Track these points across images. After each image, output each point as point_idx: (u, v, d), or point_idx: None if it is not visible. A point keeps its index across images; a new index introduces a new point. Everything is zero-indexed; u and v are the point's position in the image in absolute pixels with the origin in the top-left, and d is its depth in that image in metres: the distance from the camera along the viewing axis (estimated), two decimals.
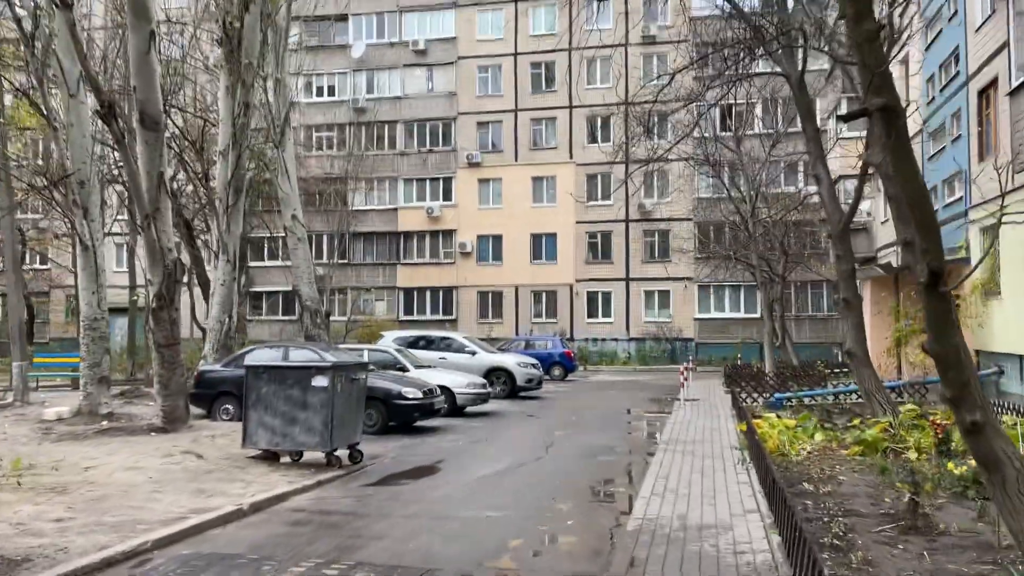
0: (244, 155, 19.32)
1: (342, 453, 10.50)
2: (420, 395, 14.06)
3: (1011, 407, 13.06)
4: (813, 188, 33.29)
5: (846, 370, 25.37)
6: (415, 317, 41.14)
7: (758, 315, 37.46)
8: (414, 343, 21.97)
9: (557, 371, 28.81)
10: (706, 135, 24.46)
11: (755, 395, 17.77)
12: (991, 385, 17.05)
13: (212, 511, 7.82)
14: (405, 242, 41.80)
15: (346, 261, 42.09)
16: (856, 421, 12.38)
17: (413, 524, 7.74)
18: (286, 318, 41.48)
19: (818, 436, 11.20)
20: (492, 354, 21.87)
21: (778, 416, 15.84)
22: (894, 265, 19.25)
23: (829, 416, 15.33)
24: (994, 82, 16.51)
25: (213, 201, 21.15)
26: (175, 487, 9.02)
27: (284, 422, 10.10)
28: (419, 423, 14.93)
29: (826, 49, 13.25)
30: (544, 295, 40.05)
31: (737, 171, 25.29)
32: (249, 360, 12.61)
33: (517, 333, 39.28)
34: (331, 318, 41.59)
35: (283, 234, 24.65)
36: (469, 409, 17.73)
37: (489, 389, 17.92)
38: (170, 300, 13.64)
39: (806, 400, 17.40)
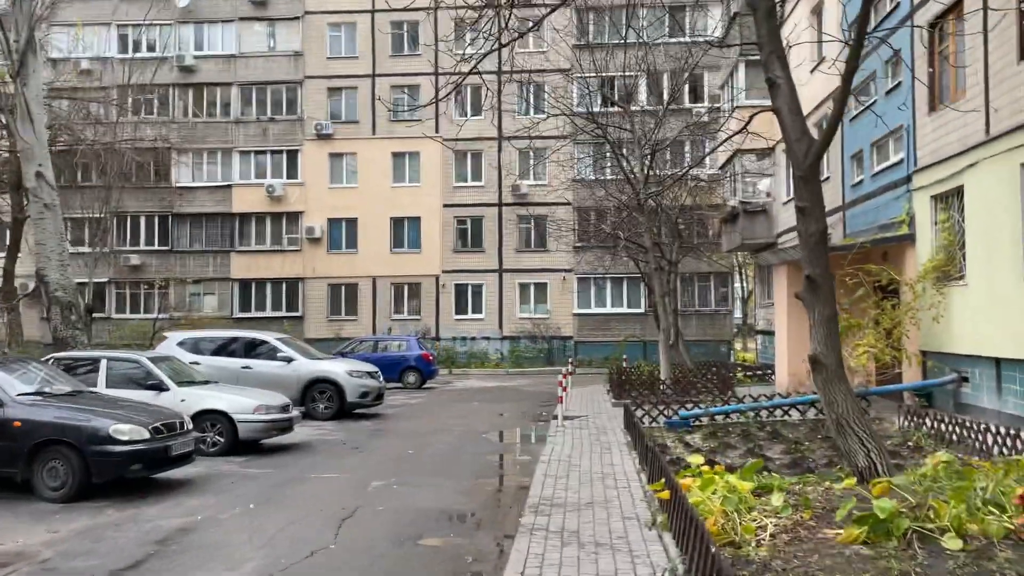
0: None
1: None
2: (144, 435, 8.72)
3: (972, 429, 9.25)
4: (704, 169, 30.01)
5: (754, 373, 21.71)
6: (253, 314, 35.02)
7: (642, 310, 33.87)
8: (208, 348, 16.42)
9: (412, 377, 23.78)
10: (590, 109, 20.18)
11: (652, 410, 13.45)
12: (948, 396, 13.38)
13: None
14: (241, 226, 35.55)
15: (169, 248, 35.48)
16: (831, 479, 8.09)
17: None
18: None
19: (780, 504, 6.74)
20: (316, 361, 16.61)
21: (687, 443, 11.55)
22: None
23: (757, 447, 11.11)
24: (956, 5, 12.80)
25: None
26: None
27: None
28: (160, 474, 9.58)
29: None
30: (406, 288, 34.92)
31: (626, 146, 21.01)
32: None
33: (375, 331, 33.99)
34: (160, 316, 35.09)
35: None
36: (267, 442, 12.49)
37: (293, 413, 12.70)
38: None
39: (717, 416, 13.23)
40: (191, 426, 9.94)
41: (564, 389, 16.18)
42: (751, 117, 10.43)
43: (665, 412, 13.46)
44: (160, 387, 11.56)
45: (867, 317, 14.16)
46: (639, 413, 13.47)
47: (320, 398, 16.08)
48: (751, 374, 20.84)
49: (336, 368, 16.34)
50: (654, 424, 13.34)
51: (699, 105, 31.85)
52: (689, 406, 13.65)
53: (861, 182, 17.35)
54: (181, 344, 16.50)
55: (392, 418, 16.61)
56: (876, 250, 15.60)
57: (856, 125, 17.69)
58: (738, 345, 41.77)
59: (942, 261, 13.34)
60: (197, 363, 15.97)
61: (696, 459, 8.05)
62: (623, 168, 18.85)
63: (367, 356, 23.65)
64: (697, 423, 13.18)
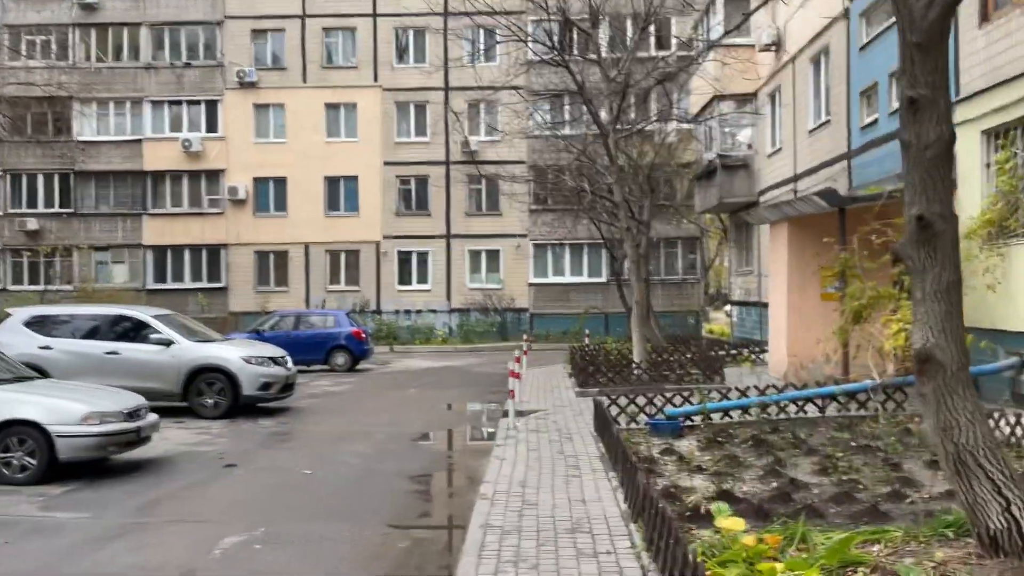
0: None
1: None
2: None
3: None
4: (674, 125, 26.66)
5: (739, 352, 18.63)
6: (169, 284, 31.12)
7: (604, 279, 30.86)
8: (64, 329, 12.87)
9: (341, 359, 20.38)
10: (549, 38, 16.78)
11: (630, 406, 10.35)
12: (1003, 386, 10.54)
13: None
14: (154, 185, 31.44)
15: (72, 210, 31.24)
16: (931, 531, 5.08)
17: None
18: None
19: None
20: (204, 344, 13.15)
21: (681, 456, 8.49)
22: (821, 200, 12.40)
23: (777, 461, 8.10)
24: None
25: None
26: None
27: None
28: None
29: None
30: (343, 256, 31.32)
31: (590, 82, 17.65)
32: None
33: (308, 304, 30.44)
34: (52, 287, 30.99)
35: None
36: (119, 457, 9.11)
37: (148, 419, 9.27)
38: None
39: (713, 414, 10.17)
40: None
41: (518, 377, 13.02)
42: None
43: (646, 409, 10.38)
44: None
45: (898, 287, 11.24)
46: (614, 411, 10.38)
47: (207, 391, 12.65)
48: (735, 352, 17.93)
49: (228, 353, 12.90)
50: (633, 425, 10.25)
51: (665, 52, 28.62)
52: (677, 401, 10.57)
53: (875, 123, 14.39)
54: (30, 324, 12.92)
55: (303, 414, 13.28)
56: (898, 204, 12.63)
57: (868, 53, 14.69)
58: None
59: (1001, 212, 10.42)
60: (48, 348, 12.52)
61: (728, 522, 4.91)
62: (590, 108, 15.57)
63: (287, 335, 20.21)
64: (688, 421, 10.15)
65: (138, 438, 9.02)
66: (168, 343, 12.75)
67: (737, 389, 10.52)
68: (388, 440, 10.80)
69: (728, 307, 49.44)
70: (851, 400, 10.34)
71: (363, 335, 20.62)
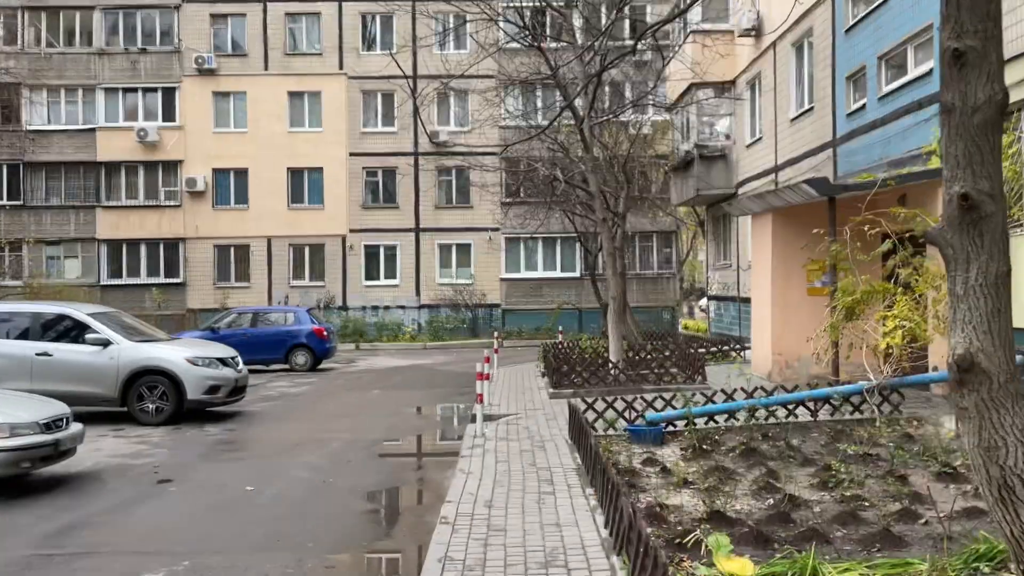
0: None
1: None
2: None
3: None
4: (648, 116, 25.81)
5: (719, 349, 17.81)
6: (124, 280, 29.78)
7: (577, 274, 30.10)
8: None
9: (302, 358, 19.34)
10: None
11: (607, 410, 9.54)
12: None
13: None
14: (108, 177, 30.03)
15: (21, 203, 29.75)
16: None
17: None
18: None
19: None
20: (145, 344, 12.09)
21: (664, 467, 7.70)
22: (808, 188, 11.60)
23: (770, 473, 7.33)
24: None
25: None
26: None
27: None
28: None
29: None
30: (307, 250, 30.19)
31: (563, 65, 16.76)
32: None
33: (270, 300, 29.32)
34: (6, 283, 29.41)
35: None
36: (38, 473, 8.07)
37: (69, 430, 8.23)
38: None
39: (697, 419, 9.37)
40: None
41: (488, 376, 12.14)
42: None
43: (625, 414, 9.56)
44: None
45: (893, 281, 10.51)
46: (590, 416, 9.55)
47: (149, 396, 11.61)
48: (715, 350, 17.18)
49: (171, 354, 11.86)
50: (611, 431, 9.43)
51: (639, 42, 27.79)
52: (659, 405, 9.76)
53: (862, 108, 13.69)
54: None
55: (254, 419, 12.29)
56: (889, 193, 11.95)
57: (854, 36, 13.98)
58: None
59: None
60: None
61: (732, 565, 4.08)
62: (563, 93, 14.68)
63: (245, 333, 19.16)
64: (670, 427, 9.35)
65: (56, 452, 8.00)
66: (106, 343, 11.69)
67: (724, 392, 9.71)
68: (344, 449, 9.87)
69: (703, 302, 49.02)
70: (845, 403, 9.60)
71: (325, 333, 19.59)
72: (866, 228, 10.15)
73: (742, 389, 9.90)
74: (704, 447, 8.49)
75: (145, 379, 11.62)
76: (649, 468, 7.84)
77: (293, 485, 8.08)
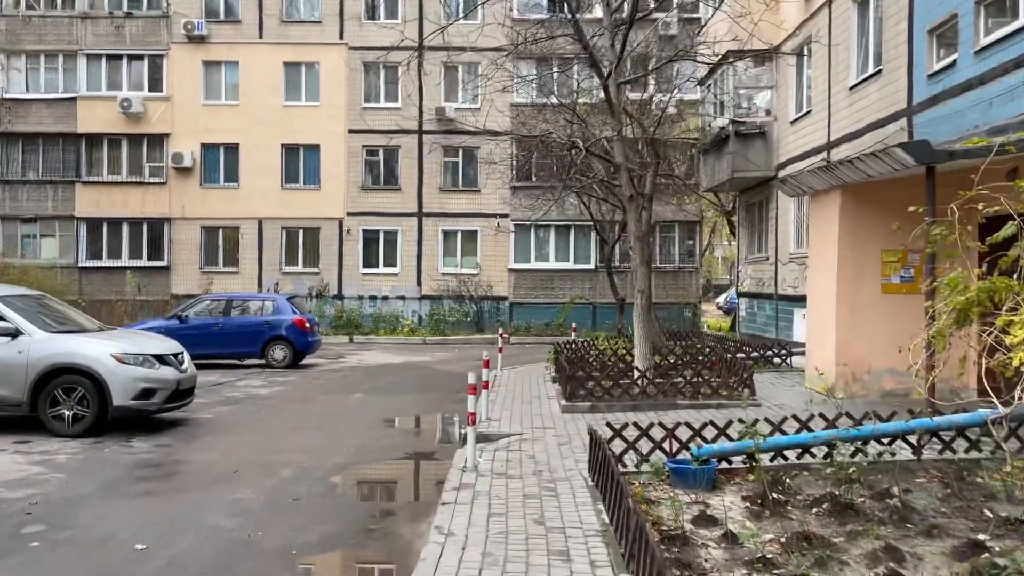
0: None
1: None
2: None
3: None
4: (676, 95, 23.05)
5: (761, 355, 15.11)
6: (104, 262, 27.62)
7: (591, 266, 27.70)
8: None
9: (280, 352, 17.04)
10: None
11: (640, 439, 7.19)
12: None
13: None
14: (89, 150, 27.83)
15: None
16: None
17: None
18: None
19: None
20: (64, 336, 9.81)
21: (727, 533, 5.33)
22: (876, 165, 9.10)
23: (893, 552, 4.96)
24: None
25: None
26: None
27: None
28: None
29: None
30: (301, 234, 27.92)
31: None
32: None
33: (260, 286, 27.13)
34: None
35: None
36: None
37: None
38: None
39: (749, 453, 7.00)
40: None
41: (485, 388, 9.80)
42: None
43: (665, 444, 7.21)
44: None
45: (1016, 277, 8.09)
46: (617, 445, 7.21)
47: (65, 401, 9.34)
48: (756, 355, 14.70)
49: (94, 349, 9.56)
50: (644, 466, 7.07)
51: (667, 15, 25.27)
52: (708, 433, 7.38)
53: (951, 66, 11.21)
54: None
55: (198, 431, 9.99)
56: (994, 170, 9.50)
57: None
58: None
59: None
60: None
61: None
62: (585, 46, 12.22)
63: (216, 323, 16.93)
64: (723, 461, 6.99)
65: None
66: (15, 334, 9.44)
67: (796, 419, 7.35)
68: (295, 480, 7.57)
69: (720, 299, 46.37)
70: (959, 436, 7.22)
71: (308, 325, 17.29)
72: (980, 206, 7.72)
73: (821, 415, 7.50)
74: (778, 497, 6.15)
75: (61, 379, 9.35)
76: (704, 531, 5.50)
77: (204, 541, 5.77)
